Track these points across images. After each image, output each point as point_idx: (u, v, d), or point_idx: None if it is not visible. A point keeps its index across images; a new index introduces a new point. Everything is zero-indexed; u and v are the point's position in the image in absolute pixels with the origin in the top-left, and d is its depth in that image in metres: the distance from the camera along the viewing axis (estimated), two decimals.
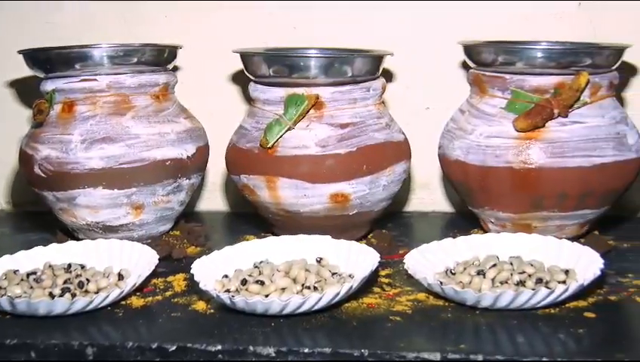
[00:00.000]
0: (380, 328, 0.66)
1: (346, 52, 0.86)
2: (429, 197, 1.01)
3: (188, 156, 0.84)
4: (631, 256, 0.82)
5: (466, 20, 0.95)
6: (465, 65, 0.86)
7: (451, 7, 0.95)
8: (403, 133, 0.85)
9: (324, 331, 0.65)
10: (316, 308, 0.67)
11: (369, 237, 0.88)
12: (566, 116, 0.76)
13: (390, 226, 0.94)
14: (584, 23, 0.93)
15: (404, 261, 0.73)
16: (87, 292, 0.70)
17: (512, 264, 0.74)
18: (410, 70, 0.97)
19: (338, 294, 0.67)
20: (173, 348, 0.63)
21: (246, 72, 0.84)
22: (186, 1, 0.98)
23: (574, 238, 0.82)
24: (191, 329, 0.66)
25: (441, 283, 0.70)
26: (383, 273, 0.78)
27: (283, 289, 0.70)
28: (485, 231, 0.85)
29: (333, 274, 0.73)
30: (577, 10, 0.93)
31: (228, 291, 0.70)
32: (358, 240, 0.86)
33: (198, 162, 0.86)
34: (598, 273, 0.68)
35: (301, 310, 0.66)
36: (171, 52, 0.85)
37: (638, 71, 0.93)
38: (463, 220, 0.92)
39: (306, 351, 0.62)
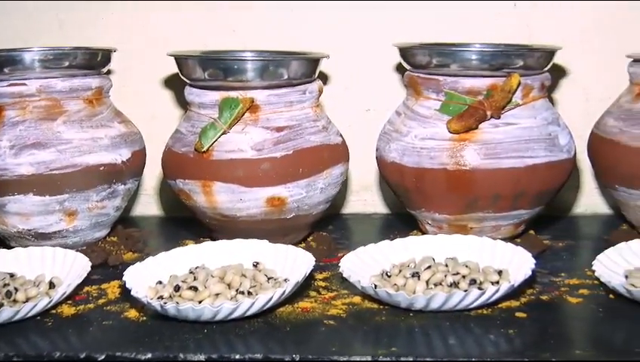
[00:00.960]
0: (314, 332, 0.66)
1: (281, 55, 0.85)
2: (370, 199, 1.01)
3: (123, 161, 0.82)
4: (565, 255, 0.83)
5: (405, 22, 0.95)
6: (403, 68, 0.86)
7: (389, 8, 0.95)
8: (341, 136, 0.85)
9: (257, 336, 0.65)
10: (249, 313, 0.66)
11: (309, 240, 0.88)
12: (498, 118, 0.77)
13: (331, 229, 0.94)
14: (520, 24, 0.94)
15: (339, 264, 0.73)
16: (15, 301, 0.69)
17: (447, 265, 0.74)
18: (349, 72, 0.97)
19: (271, 299, 0.66)
20: (102, 357, 0.62)
21: (181, 76, 0.83)
22: (127, 1, 0.97)
23: (510, 238, 0.83)
24: (122, 337, 0.65)
25: (375, 286, 0.70)
26: (320, 276, 0.78)
27: (217, 294, 0.69)
28: (423, 233, 0.86)
29: (269, 278, 0.73)
30: (513, 12, 0.94)
31: (161, 298, 0.69)
32: (298, 243, 0.86)
33: (134, 167, 0.84)
34: (529, 273, 0.69)
35: (234, 316, 0.66)
36: (105, 55, 0.84)
37: (570, 72, 0.95)
38: (402, 222, 0.92)
39: (237, 357, 0.62)
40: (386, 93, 0.97)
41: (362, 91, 0.98)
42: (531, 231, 0.87)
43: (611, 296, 0.70)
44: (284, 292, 0.67)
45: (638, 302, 0.66)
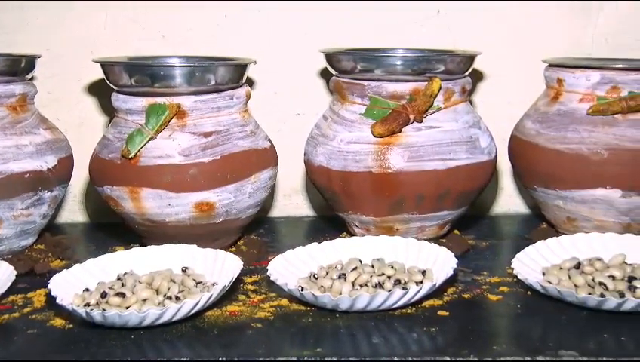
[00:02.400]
0: (241, 335, 0.66)
1: (208, 61, 0.86)
2: (300, 202, 1.02)
3: (49, 168, 0.82)
4: (488, 254, 0.86)
5: (333, 28, 0.96)
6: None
7: (318, 14, 0.96)
8: (269, 141, 0.86)
9: (184, 341, 0.65)
10: (177, 318, 0.67)
11: (239, 244, 0.88)
12: (421, 121, 0.79)
13: (262, 232, 0.95)
14: (444, 30, 0.97)
15: (267, 267, 0.74)
16: None
17: (373, 266, 0.76)
18: (279, 77, 0.98)
19: (198, 304, 0.67)
20: None
21: (108, 82, 0.83)
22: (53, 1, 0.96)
23: (435, 239, 0.85)
24: (47, 346, 0.65)
25: (302, 288, 0.71)
26: (250, 280, 0.79)
27: (144, 300, 0.69)
28: (352, 235, 0.87)
29: (198, 283, 0.73)
30: (437, 19, 0.97)
31: (88, 305, 0.69)
32: (229, 247, 0.86)
33: (61, 174, 0.84)
34: (451, 273, 0.71)
35: (161, 321, 0.66)
36: (29, 61, 0.83)
37: (492, 76, 0.98)
38: (331, 225, 0.94)
39: (164, 361, 0.62)
40: (316, 97, 0.98)
41: (292, 96, 1.00)
42: (456, 231, 0.89)
43: (529, 292, 0.73)
44: (211, 296, 0.68)
45: (554, 298, 0.69)
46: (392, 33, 0.97)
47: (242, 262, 0.74)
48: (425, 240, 0.80)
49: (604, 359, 0.60)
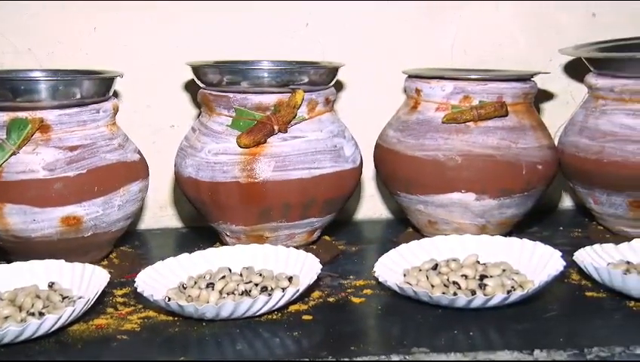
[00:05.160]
0: (106, 348, 0.67)
1: (72, 74, 0.85)
2: (174, 213, 1.03)
3: None
4: (356, 258, 0.89)
5: (205, 41, 0.98)
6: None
7: (188, 28, 0.97)
8: (139, 153, 0.86)
9: (46, 356, 0.65)
10: (39, 334, 0.66)
11: (112, 257, 0.88)
12: (286, 132, 0.81)
13: (137, 244, 0.95)
14: (314, 42, 1.00)
15: (135, 279, 0.74)
16: None
17: (241, 275, 0.77)
18: (151, 90, 0.99)
19: (60, 319, 0.66)
20: None
21: None
22: None
23: (306, 245, 0.87)
24: None
25: (169, 299, 0.72)
26: (119, 292, 0.79)
27: (6, 317, 0.68)
28: (223, 244, 0.88)
29: (65, 298, 0.73)
30: (306, 31, 1.00)
31: None
32: (100, 260, 0.86)
33: None
34: (315, 278, 0.73)
35: (23, 337, 0.65)
36: None
37: (358, 87, 1.01)
38: (204, 235, 0.94)
39: None
40: (191, 109, 0.99)
41: (166, 108, 1.00)
42: (326, 237, 0.92)
43: (391, 294, 0.76)
44: (74, 311, 0.68)
45: (412, 299, 0.73)
46: (263, 46, 0.99)
47: (109, 275, 0.74)
48: (295, 247, 0.83)
49: (453, 353, 0.64)
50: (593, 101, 0.88)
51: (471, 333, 0.67)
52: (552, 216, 1.02)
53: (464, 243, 0.81)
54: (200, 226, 1.00)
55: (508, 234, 0.88)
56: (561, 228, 0.97)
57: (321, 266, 0.76)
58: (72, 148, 0.80)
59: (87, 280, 0.75)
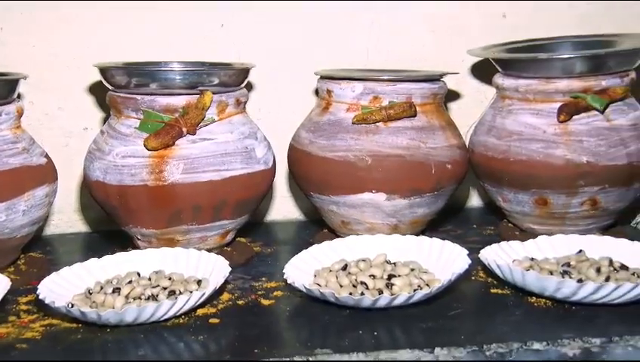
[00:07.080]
0: (5, 358, 0.65)
1: None
2: (86, 217, 1.01)
3: None
4: (270, 260, 0.88)
5: (117, 42, 0.96)
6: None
7: (100, 27, 0.96)
8: (46, 157, 0.84)
9: None
10: None
11: (19, 263, 0.86)
12: (194, 134, 0.81)
13: (49, 250, 0.93)
14: (229, 44, 0.99)
15: (37, 287, 0.73)
16: None
17: (150, 279, 0.76)
18: (62, 93, 0.97)
19: None
20: None
21: None
22: None
23: (219, 247, 0.87)
24: None
25: (71, 305, 0.70)
26: (24, 300, 0.77)
27: None
28: (136, 248, 0.87)
29: None
30: (221, 33, 0.99)
31: None
32: (7, 267, 0.84)
33: None
34: (222, 281, 0.73)
35: None
36: None
37: (274, 88, 1.01)
38: (118, 239, 0.92)
39: None
40: (104, 111, 0.98)
41: (79, 111, 0.98)
42: (241, 239, 0.91)
43: (300, 296, 0.76)
44: None
45: (321, 300, 0.73)
46: (178, 47, 0.97)
47: (10, 283, 0.72)
48: (208, 249, 0.82)
49: (356, 354, 0.64)
50: (500, 101, 0.89)
51: (376, 333, 0.67)
52: (465, 215, 1.04)
53: (376, 243, 0.82)
54: (113, 230, 0.98)
55: (421, 233, 0.89)
56: (474, 226, 0.98)
57: (230, 269, 0.76)
58: None
59: None
